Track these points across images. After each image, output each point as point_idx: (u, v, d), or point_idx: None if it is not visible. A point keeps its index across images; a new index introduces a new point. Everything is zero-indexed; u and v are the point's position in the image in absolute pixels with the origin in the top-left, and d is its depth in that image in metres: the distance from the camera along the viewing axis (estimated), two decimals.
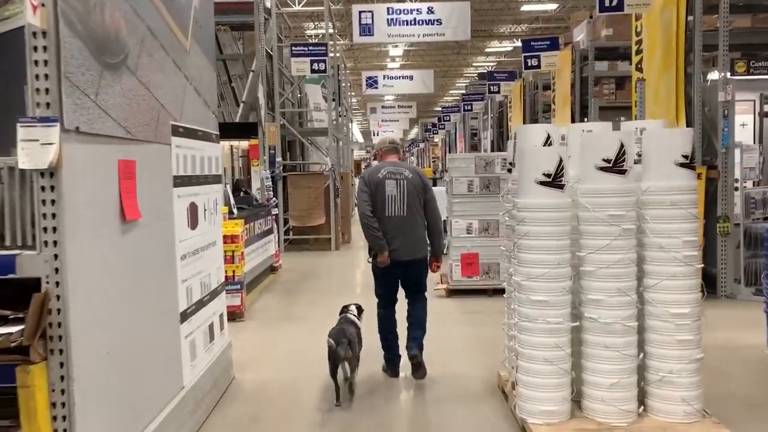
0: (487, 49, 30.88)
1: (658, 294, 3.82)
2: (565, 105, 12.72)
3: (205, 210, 4.62)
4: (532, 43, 12.91)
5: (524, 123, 16.19)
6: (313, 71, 13.06)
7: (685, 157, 3.81)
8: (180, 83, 4.17)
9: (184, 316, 4.10)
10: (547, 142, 4.19)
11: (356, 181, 25.33)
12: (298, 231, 13.83)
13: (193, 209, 4.32)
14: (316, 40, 21.97)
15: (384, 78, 28.54)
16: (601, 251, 3.79)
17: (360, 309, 5.31)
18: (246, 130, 11.65)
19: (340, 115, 19.02)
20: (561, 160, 3.82)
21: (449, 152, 32.23)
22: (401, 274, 5.11)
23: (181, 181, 4.10)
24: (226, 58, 14.68)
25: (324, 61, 12.95)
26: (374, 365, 5.36)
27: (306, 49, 13.11)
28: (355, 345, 4.72)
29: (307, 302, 8.30)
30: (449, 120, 28.36)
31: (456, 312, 7.57)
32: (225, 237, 6.88)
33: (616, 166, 3.78)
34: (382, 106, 39.59)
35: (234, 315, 7.19)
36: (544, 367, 3.85)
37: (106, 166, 3.09)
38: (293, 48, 13.10)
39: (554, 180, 3.81)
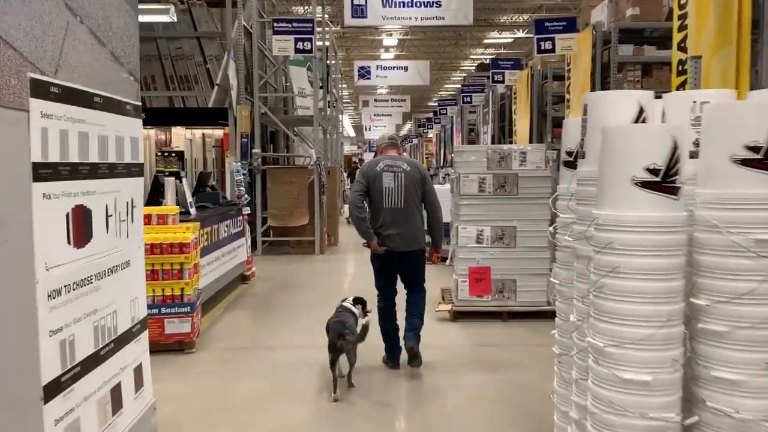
0: (486, 40, 29.33)
1: None
2: (583, 94, 11.18)
3: (107, 216, 3.06)
4: (546, 24, 11.38)
5: (531, 117, 14.71)
6: (297, 51, 11.48)
7: None
8: (53, 14, 2.62)
9: (54, 389, 2.55)
10: (640, 118, 2.64)
11: (345, 177, 23.94)
12: (278, 232, 12.26)
13: (78, 216, 2.77)
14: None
15: (377, 68, 27.00)
16: (742, 300, 2.26)
17: (358, 300, 5.20)
18: (214, 115, 10.08)
19: (329, 106, 17.44)
20: (676, 147, 2.28)
21: (444, 148, 30.69)
22: (398, 265, 5.16)
23: (52, 172, 2.55)
24: (201, 36, 13.06)
25: (310, 40, 11.36)
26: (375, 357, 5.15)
27: (290, 25, 11.51)
28: (353, 335, 4.66)
29: (280, 323, 6.75)
30: (445, 113, 26.80)
31: (465, 345, 6.03)
32: (170, 246, 5.34)
33: None
34: (375, 100, 38.00)
35: (182, 345, 5.63)
36: None
37: None
38: (275, 24, 11.49)
39: (665, 180, 2.28)
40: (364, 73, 26.80)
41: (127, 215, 3.32)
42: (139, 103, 3.52)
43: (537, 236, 6.81)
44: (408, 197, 5.03)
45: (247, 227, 8.94)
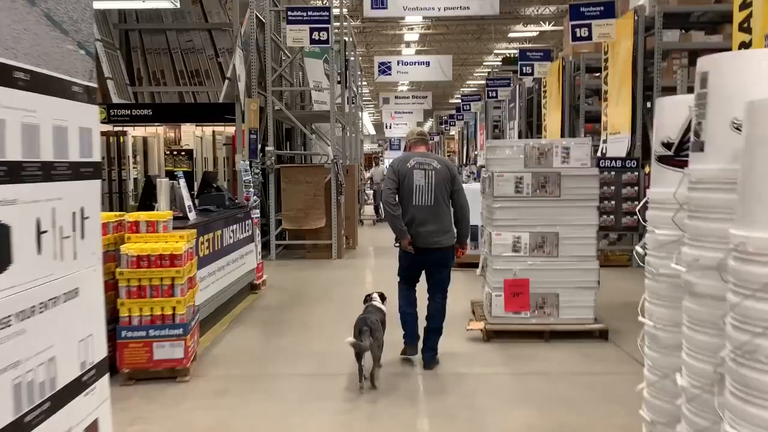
0: (511, 34, 28.30)
1: None
2: (623, 85, 10.27)
3: (39, 233, 2.28)
4: (582, 9, 10.44)
5: (563, 112, 13.78)
6: (313, 42, 10.70)
7: None
8: None
9: None
10: None
11: (365, 175, 23.13)
12: (293, 235, 11.50)
13: None
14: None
15: (398, 64, 26.17)
16: None
17: (383, 297, 5.34)
18: (220, 110, 9.33)
19: (349, 102, 16.67)
20: None
21: (467, 145, 29.73)
22: (426, 262, 5.16)
23: None
24: (212, 27, 12.38)
25: (326, 30, 10.59)
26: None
27: (305, 14, 10.75)
28: (378, 332, 4.76)
29: (290, 344, 5.96)
30: (469, 109, 25.87)
31: (502, 372, 5.17)
32: (159, 258, 4.59)
33: None
34: (396, 97, 37.11)
35: (174, 373, 4.86)
36: None
37: None
38: (289, 13, 10.72)
39: None
40: (385, 69, 26.00)
41: (75, 230, 2.53)
42: (94, 85, 2.73)
43: (582, 244, 5.95)
44: (438, 195, 5.05)
45: (257, 231, 8.18)
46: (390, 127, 41.16)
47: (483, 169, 6.81)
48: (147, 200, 5.72)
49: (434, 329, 5.21)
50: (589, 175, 6.03)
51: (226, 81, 10.63)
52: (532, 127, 17.30)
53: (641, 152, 9.97)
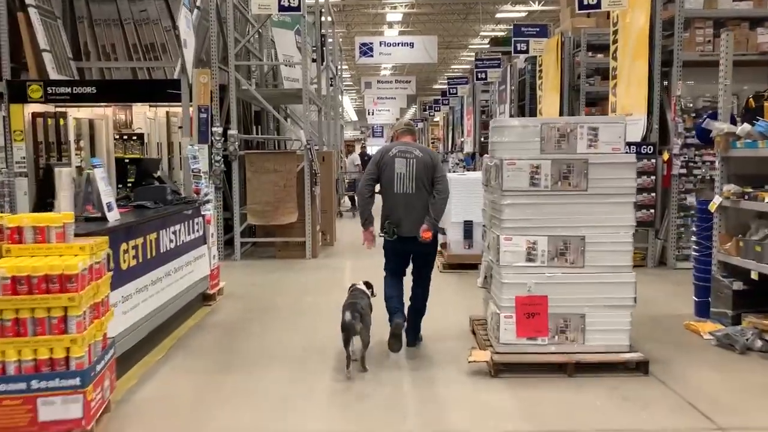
0: (498, 14, 26.95)
1: None
2: (637, 60, 8.96)
3: None
4: None
5: (562, 92, 12.48)
6: (282, 9, 9.28)
7: None
8: None
9: None
10: None
11: (345, 162, 21.70)
12: (263, 231, 10.12)
13: None
14: None
15: (381, 45, 24.68)
16: None
17: (369, 285, 5.26)
18: (161, 86, 7.95)
19: (329, 84, 15.25)
20: None
21: (452, 132, 28.31)
22: (408, 249, 5.16)
23: None
24: None
25: None
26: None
27: None
28: (367, 317, 4.74)
29: (242, 382, 4.61)
30: (455, 93, 24.48)
31: (517, 430, 3.87)
32: (44, 281, 3.23)
33: None
34: (378, 81, 35.57)
35: None
36: None
37: None
38: None
39: None
40: (366, 50, 24.55)
41: None
42: None
43: (615, 250, 4.68)
44: (419, 183, 5.03)
45: (211, 230, 6.80)
46: (372, 114, 39.67)
47: (486, 156, 5.48)
48: (46, 197, 4.33)
49: (417, 310, 5.28)
50: (624, 163, 4.73)
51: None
52: (525, 111, 16.01)
53: (658, 136, 8.73)
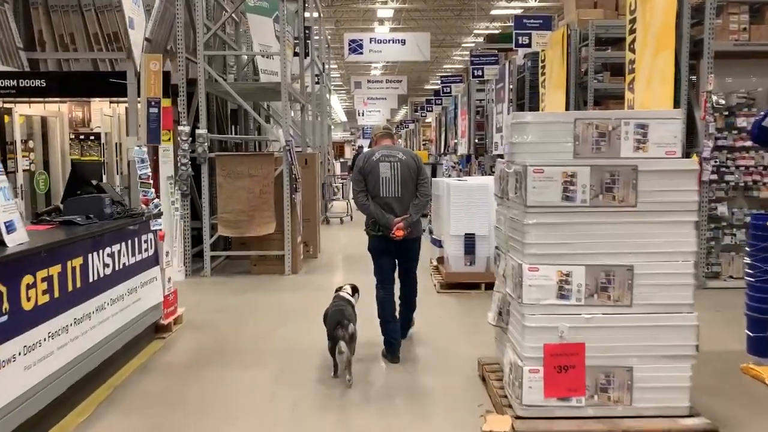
0: (493, 11, 25.93)
1: None
2: (662, 51, 7.90)
3: None
4: None
5: (568, 88, 11.44)
6: None
7: None
8: None
9: None
10: None
11: (334, 166, 20.63)
12: (238, 243, 8.99)
13: None
14: None
15: (371, 42, 23.59)
16: None
17: (355, 288, 5.28)
18: (104, 78, 6.85)
19: (315, 81, 14.13)
20: None
21: (445, 133, 27.19)
22: (395, 251, 5.20)
23: None
24: None
25: None
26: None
27: None
28: (352, 324, 4.61)
29: None
30: (449, 92, 23.42)
31: None
32: None
33: None
34: (368, 81, 34.45)
35: None
36: None
37: None
38: None
39: None
40: (356, 47, 23.49)
41: None
42: None
43: (672, 284, 3.60)
44: (404, 186, 5.09)
45: (166, 248, 5.66)
46: (362, 114, 38.58)
47: (501, 161, 4.37)
48: None
49: (409, 309, 5.50)
50: (683, 170, 3.66)
51: (144, 43, 8.05)
52: (524, 110, 15.01)
53: (685, 137, 7.68)
